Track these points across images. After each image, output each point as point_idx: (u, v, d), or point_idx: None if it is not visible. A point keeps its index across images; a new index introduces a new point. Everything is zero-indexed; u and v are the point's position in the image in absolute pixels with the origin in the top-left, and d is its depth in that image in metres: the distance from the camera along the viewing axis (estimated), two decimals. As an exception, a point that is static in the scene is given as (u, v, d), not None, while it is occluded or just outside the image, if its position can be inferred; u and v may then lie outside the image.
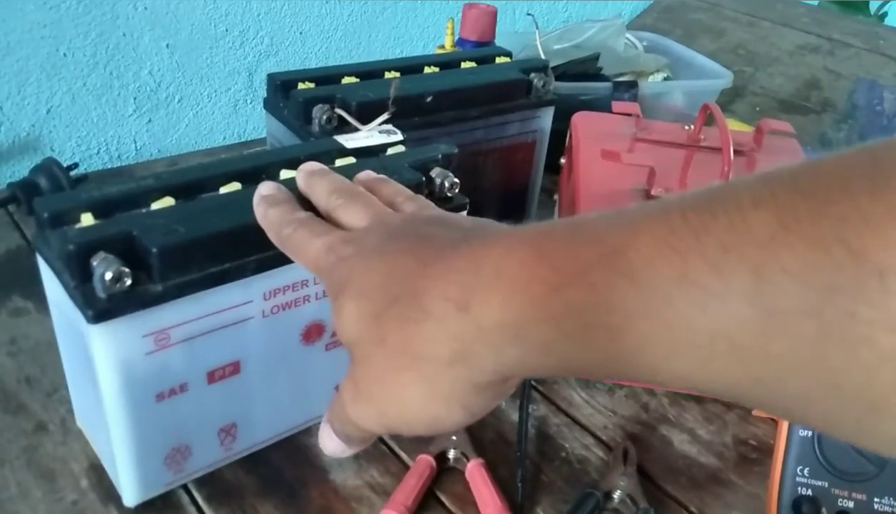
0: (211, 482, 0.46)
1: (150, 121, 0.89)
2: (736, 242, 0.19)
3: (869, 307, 0.17)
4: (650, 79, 0.95)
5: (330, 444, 0.30)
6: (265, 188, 0.35)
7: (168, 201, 0.40)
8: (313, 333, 0.46)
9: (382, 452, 0.50)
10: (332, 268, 0.29)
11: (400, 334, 0.25)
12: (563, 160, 0.70)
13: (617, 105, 0.70)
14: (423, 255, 0.26)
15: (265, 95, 0.61)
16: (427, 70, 0.65)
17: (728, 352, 0.19)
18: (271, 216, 0.33)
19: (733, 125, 0.78)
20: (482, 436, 0.51)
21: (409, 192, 0.36)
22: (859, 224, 0.17)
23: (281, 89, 0.59)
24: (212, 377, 0.42)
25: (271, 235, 0.33)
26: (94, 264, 0.35)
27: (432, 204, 0.35)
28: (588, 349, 0.22)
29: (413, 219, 0.31)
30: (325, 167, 0.37)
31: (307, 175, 0.36)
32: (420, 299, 0.25)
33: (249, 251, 0.39)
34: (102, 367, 0.38)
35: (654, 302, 0.20)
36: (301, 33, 0.98)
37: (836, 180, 0.18)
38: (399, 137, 0.51)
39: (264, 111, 0.61)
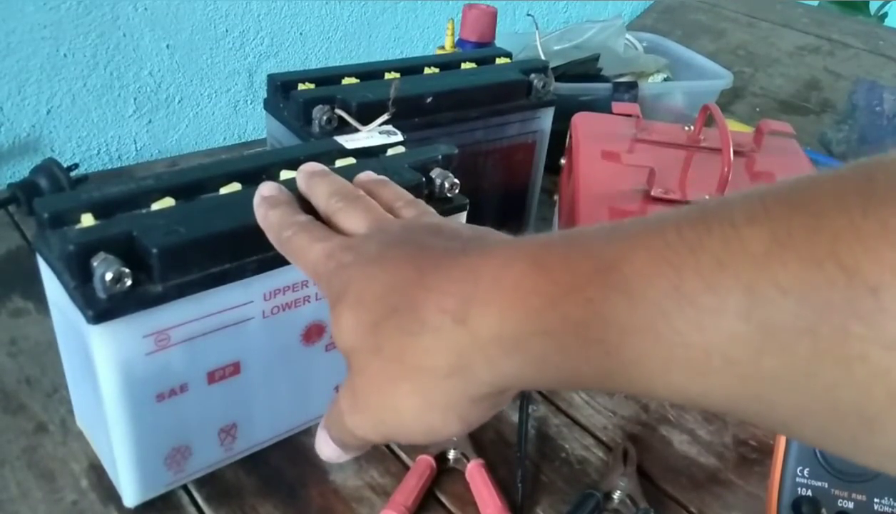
0: (211, 483, 0.46)
1: (150, 121, 0.89)
2: (730, 258, 0.19)
3: (862, 324, 0.17)
4: (650, 79, 0.96)
5: (326, 450, 0.30)
6: (266, 189, 0.35)
7: (168, 202, 0.40)
8: (313, 333, 0.46)
9: (382, 452, 0.50)
10: (332, 275, 0.29)
11: (397, 345, 0.25)
12: (563, 161, 0.70)
13: (617, 106, 0.70)
14: (421, 265, 0.26)
15: (265, 96, 0.61)
16: (427, 71, 0.66)
17: (723, 367, 0.19)
18: (271, 218, 0.33)
19: (733, 126, 0.78)
20: (482, 436, 0.52)
21: (410, 196, 0.36)
22: (852, 241, 0.17)
23: (281, 90, 0.59)
24: (212, 378, 0.42)
25: (271, 237, 0.33)
26: (95, 264, 0.35)
27: (432, 210, 0.35)
28: (584, 364, 0.22)
29: (412, 226, 0.31)
30: (326, 168, 0.37)
31: (307, 176, 0.36)
32: (417, 311, 0.25)
33: (250, 252, 0.39)
34: (102, 367, 0.38)
35: (650, 317, 0.20)
36: (301, 34, 0.98)
37: (829, 197, 0.18)
38: (399, 137, 0.51)
39: (264, 112, 0.61)
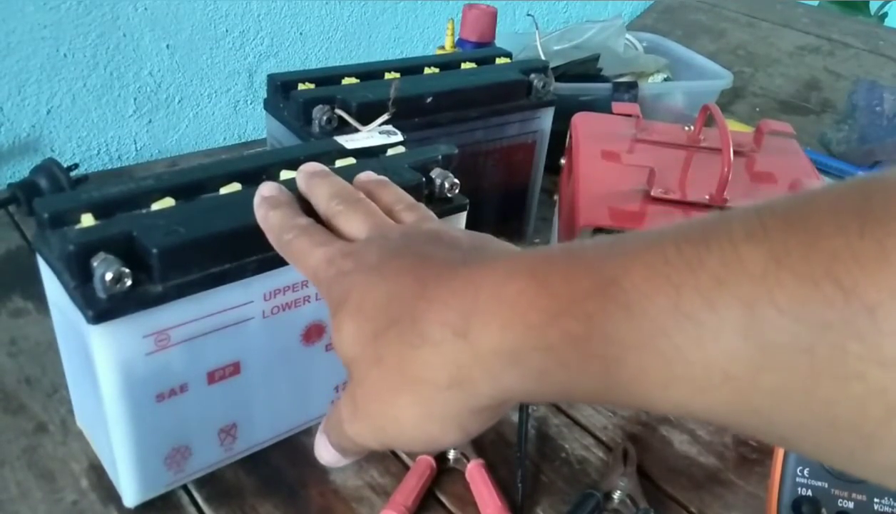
0: (211, 483, 0.46)
1: (150, 121, 0.89)
2: (729, 276, 0.19)
3: (859, 343, 0.17)
4: (650, 80, 0.96)
5: (326, 454, 0.31)
6: (266, 189, 0.35)
7: (168, 202, 0.40)
8: (313, 333, 0.46)
9: (382, 452, 0.50)
10: (332, 281, 0.29)
11: (398, 356, 0.25)
12: (563, 161, 0.70)
13: (617, 106, 0.70)
14: (422, 275, 0.26)
15: (265, 96, 0.61)
16: (427, 71, 0.66)
17: (722, 384, 0.19)
18: (272, 219, 0.33)
19: (733, 126, 0.78)
20: (482, 437, 0.51)
21: (410, 199, 0.36)
22: (849, 261, 0.17)
23: (281, 90, 0.59)
24: (212, 378, 0.42)
25: (271, 239, 0.33)
26: (95, 264, 0.35)
27: (432, 214, 0.35)
28: (584, 378, 0.22)
29: (412, 233, 0.31)
30: (326, 168, 0.37)
31: (308, 176, 0.36)
32: (418, 324, 0.25)
33: (250, 252, 0.39)
34: (102, 367, 0.38)
35: (649, 333, 0.20)
36: (301, 34, 0.98)
37: (826, 216, 0.18)
38: (399, 137, 0.51)
39: (264, 112, 0.61)
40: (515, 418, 0.53)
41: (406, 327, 0.25)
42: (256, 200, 0.35)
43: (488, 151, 0.66)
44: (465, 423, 0.25)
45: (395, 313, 0.26)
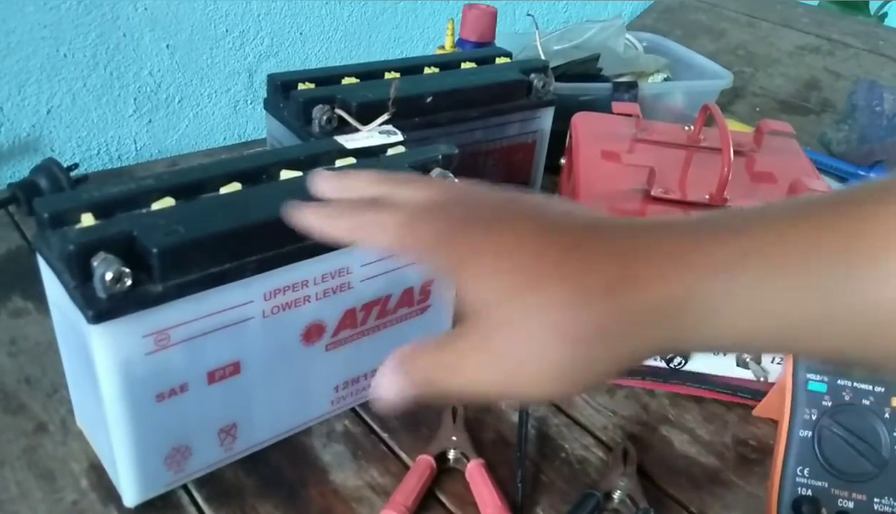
0: (211, 482, 0.46)
1: (150, 121, 0.89)
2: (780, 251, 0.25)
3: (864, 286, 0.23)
4: (650, 79, 0.96)
5: (392, 387, 0.28)
6: (321, 182, 0.33)
7: (168, 202, 0.40)
8: (313, 333, 0.46)
9: (382, 452, 0.50)
10: (434, 237, 0.28)
11: (542, 308, 0.26)
12: (563, 161, 0.70)
13: (617, 106, 0.70)
14: (550, 238, 0.28)
15: (265, 96, 0.61)
16: (427, 71, 0.66)
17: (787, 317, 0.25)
18: (329, 210, 0.31)
19: (733, 126, 0.78)
20: (482, 436, 0.52)
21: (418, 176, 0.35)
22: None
23: (281, 90, 0.59)
24: (212, 377, 0.42)
25: (328, 227, 0.30)
26: (95, 264, 0.35)
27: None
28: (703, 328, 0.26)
29: (481, 189, 0.31)
30: (339, 172, 0.36)
31: (329, 178, 0.33)
32: (568, 281, 0.26)
33: (249, 251, 0.39)
34: (102, 367, 0.38)
35: (737, 289, 0.25)
36: (301, 34, 0.98)
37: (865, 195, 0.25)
38: (399, 137, 0.51)
39: (264, 112, 0.61)
40: (515, 418, 0.53)
41: (553, 283, 0.26)
42: (306, 208, 0.31)
43: (488, 151, 0.66)
44: (587, 378, 0.27)
45: (538, 269, 0.27)
